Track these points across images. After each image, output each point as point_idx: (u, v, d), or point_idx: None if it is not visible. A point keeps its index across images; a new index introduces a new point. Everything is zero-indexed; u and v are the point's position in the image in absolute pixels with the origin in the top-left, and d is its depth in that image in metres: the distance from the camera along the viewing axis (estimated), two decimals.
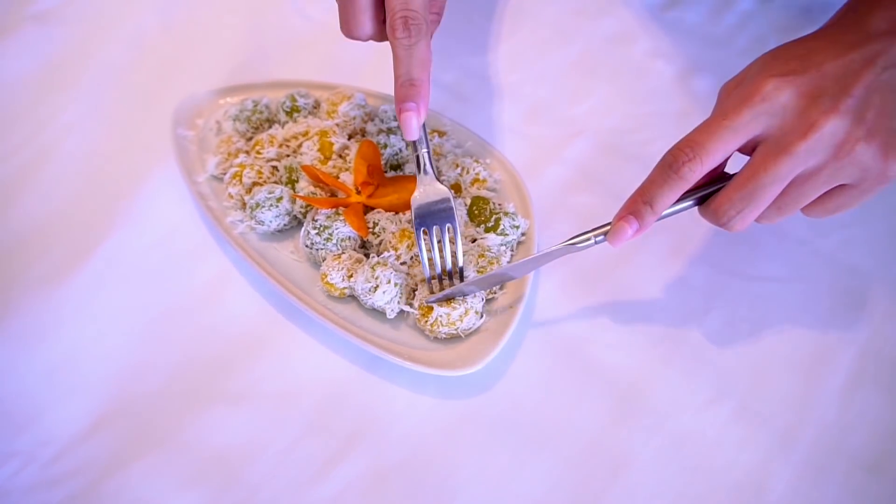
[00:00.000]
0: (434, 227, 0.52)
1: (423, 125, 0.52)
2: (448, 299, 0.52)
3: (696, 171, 0.46)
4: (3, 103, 0.69)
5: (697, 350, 0.54)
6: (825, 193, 0.47)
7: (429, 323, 0.52)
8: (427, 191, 0.53)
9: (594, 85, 0.71)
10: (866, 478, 0.48)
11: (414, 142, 0.53)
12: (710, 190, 0.49)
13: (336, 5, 0.51)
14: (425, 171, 0.53)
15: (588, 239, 0.50)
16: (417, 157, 0.53)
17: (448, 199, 0.53)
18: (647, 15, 0.77)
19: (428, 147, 0.53)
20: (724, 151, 0.46)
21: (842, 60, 0.45)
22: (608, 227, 0.50)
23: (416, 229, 0.52)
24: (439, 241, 0.52)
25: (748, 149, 0.47)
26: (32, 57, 0.72)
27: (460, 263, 0.53)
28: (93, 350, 0.54)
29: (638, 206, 0.48)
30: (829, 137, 0.44)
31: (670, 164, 0.46)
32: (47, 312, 0.55)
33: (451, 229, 0.52)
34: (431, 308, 0.52)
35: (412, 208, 0.52)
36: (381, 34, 0.52)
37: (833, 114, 0.44)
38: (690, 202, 0.50)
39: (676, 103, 0.69)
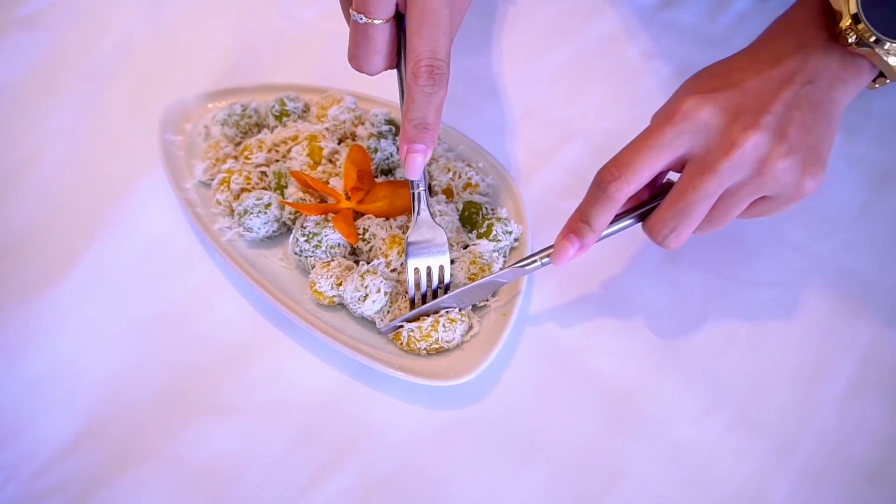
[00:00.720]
0: (426, 266, 0.52)
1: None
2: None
3: (623, 191, 0.47)
4: None
5: (694, 357, 0.53)
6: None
7: (403, 343, 0.51)
8: (422, 231, 0.52)
9: (588, 87, 0.70)
10: (866, 487, 0.47)
11: (414, 180, 0.52)
12: (650, 206, 0.50)
13: (326, 8, 0.50)
14: (421, 211, 0.53)
15: (535, 261, 0.51)
16: (414, 195, 0.52)
17: (443, 240, 0.52)
18: (641, 15, 0.76)
19: (426, 186, 0.53)
20: (651, 169, 0.47)
21: (761, 78, 0.47)
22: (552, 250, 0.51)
23: (407, 269, 0.52)
24: (429, 281, 0.53)
25: (678, 167, 0.48)
26: (18, 62, 0.71)
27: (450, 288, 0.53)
28: (77, 362, 0.53)
29: (577, 225, 0.49)
30: (751, 154, 0.45)
31: (598, 183, 0.48)
32: (30, 323, 0.54)
33: (441, 269, 0.53)
34: (400, 333, 0.52)
35: (405, 246, 0.52)
36: (389, 68, 0.51)
37: (754, 130, 0.45)
38: (631, 220, 0.51)
39: None
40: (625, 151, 0.48)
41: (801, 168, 0.46)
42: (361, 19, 0.47)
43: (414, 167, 0.49)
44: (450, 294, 0.52)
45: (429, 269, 0.52)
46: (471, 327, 0.53)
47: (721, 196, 0.47)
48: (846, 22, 0.46)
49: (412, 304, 0.52)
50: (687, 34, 0.74)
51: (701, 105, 0.46)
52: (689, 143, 0.46)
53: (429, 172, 0.59)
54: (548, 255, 0.51)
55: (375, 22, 0.47)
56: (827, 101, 0.47)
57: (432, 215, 0.53)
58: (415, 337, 0.51)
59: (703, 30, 0.74)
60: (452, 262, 0.54)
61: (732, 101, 0.46)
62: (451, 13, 0.47)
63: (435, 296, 0.53)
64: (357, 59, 0.50)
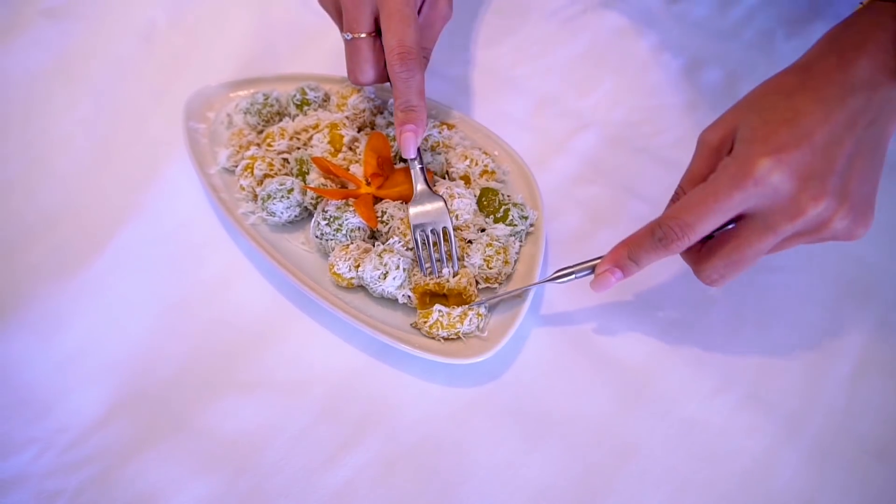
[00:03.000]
0: (430, 229, 0.55)
1: (419, 146, 0.57)
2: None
3: (684, 247, 0.47)
4: (18, 98, 0.69)
5: (705, 339, 0.54)
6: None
7: (428, 325, 0.53)
8: (422, 200, 0.56)
9: (601, 78, 0.72)
10: (873, 463, 0.49)
11: (412, 159, 0.57)
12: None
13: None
14: (419, 185, 0.56)
15: (571, 276, 0.52)
16: (413, 172, 0.57)
17: (441, 204, 0.55)
18: (653, 8, 0.77)
19: (422, 163, 0.57)
20: (712, 228, 0.47)
21: (829, 125, 0.44)
22: (588, 264, 0.52)
23: (413, 233, 0.55)
24: (435, 244, 0.55)
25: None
26: (45, 52, 0.73)
27: (455, 262, 0.55)
28: (107, 339, 0.55)
29: (624, 261, 0.50)
30: (814, 219, 0.45)
31: (661, 238, 0.47)
32: (63, 303, 0.56)
33: (445, 231, 0.55)
34: (430, 312, 0.53)
35: (409, 216, 0.55)
36: (383, 79, 0.58)
37: (822, 198, 0.44)
38: None
39: (683, 96, 0.70)
40: (690, 209, 0.46)
41: (855, 220, 0.46)
42: (348, 36, 0.57)
43: (407, 146, 0.55)
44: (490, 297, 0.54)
45: (433, 231, 0.55)
46: (481, 323, 0.54)
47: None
48: None
49: (421, 265, 0.54)
50: (698, 27, 0.75)
51: (773, 171, 0.44)
52: (753, 204, 0.45)
53: (447, 160, 0.61)
54: (585, 272, 0.52)
55: (360, 36, 0.56)
56: (884, 140, 0.47)
57: (430, 188, 0.56)
58: (441, 323, 0.52)
59: (714, 23, 0.76)
60: (457, 229, 0.57)
61: (803, 164, 0.44)
62: (415, 7, 0.55)
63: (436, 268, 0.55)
64: (352, 71, 0.58)
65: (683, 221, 0.46)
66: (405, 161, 0.62)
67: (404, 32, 0.54)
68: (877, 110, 0.45)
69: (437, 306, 0.53)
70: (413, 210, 0.55)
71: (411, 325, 0.54)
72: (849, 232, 0.46)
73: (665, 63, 0.73)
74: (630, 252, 0.49)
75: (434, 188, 0.57)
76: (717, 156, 0.47)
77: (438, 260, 0.54)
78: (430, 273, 0.54)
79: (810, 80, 0.46)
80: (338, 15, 0.59)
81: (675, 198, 0.50)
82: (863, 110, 0.45)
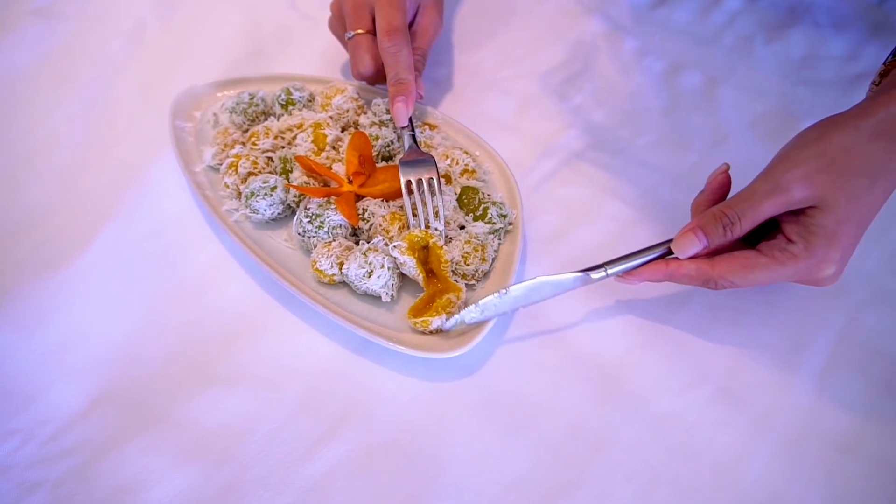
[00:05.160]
0: (417, 179, 0.57)
1: (411, 117, 0.62)
2: (444, 308, 0.54)
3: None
4: (5, 96, 0.70)
5: (678, 336, 0.55)
6: None
7: (419, 324, 0.54)
8: (411, 154, 0.59)
9: (583, 81, 0.73)
10: (839, 457, 0.50)
11: (404, 128, 0.62)
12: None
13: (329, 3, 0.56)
14: (408, 145, 0.61)
15: (601, 272, 0.53)
16: (405, 137, 0.62)
17: (430, 158, 0.58)
18: (636, 14, 0.79)
19: (414, 132, 0.62)
20: (752, 286, 0.52)
21: (873, 196, 0.49)
22: (616, 261, 0.53)
23: (403, 182, 0.56)
24: (422, 195, 0.56)
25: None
26: (34, 50, 0.74)
27: (441, 211, 0.56)
28: (91, 333, 0.55)
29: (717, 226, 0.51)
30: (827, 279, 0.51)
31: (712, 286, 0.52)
32: (47, 297, 0.56)
33: (432, 180, 0.57)
34: (429, 322, 0.53)
35: (399, 162, 0.58)
36: (381, 71, 0.64)
37: (838, 274, 0.50)
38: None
39: (662, 99, 0.71)
40: (749, 273, 0.50)
41: (839, 273, 0.51)
42: (350, 34, 0.65)
43: (398, 115, 0.61)
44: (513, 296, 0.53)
45: (419, 181, 0.56)
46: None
47: None
48: None
49: (408, 215, 0.56)
50: (679, 32, 0.77)
51: (834, 268, 0.50)
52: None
53: None
54: (613, 268, 0.53)
55: (360, 32, 0.64)
56: None
57: (417, 146, 0.60)
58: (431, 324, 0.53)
59: (695, 28, 0.77)
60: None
61: (849, 241, 0.49)
62: (406, 4, 0.64)
63: (425, 222, 0.56)
64: (354, 66, 0.65)
65: (733, 284, 0.51)
66: (387, 160, 0.63)
67: (391, 15, 0.63)
68: None
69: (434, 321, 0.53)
70: (403, 161, 0.58)
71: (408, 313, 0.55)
72: (830, 283, 0.51)
73: (646, 67, 0.74)
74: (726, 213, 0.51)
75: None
76: (786, 207, 0.49)
77: (426, 217, 0.56)
78: (418, 226, 0.56)
79: (894, 167, 0.48)
80: (343, 36, 0.67)
81: (717, 194, 0.54)
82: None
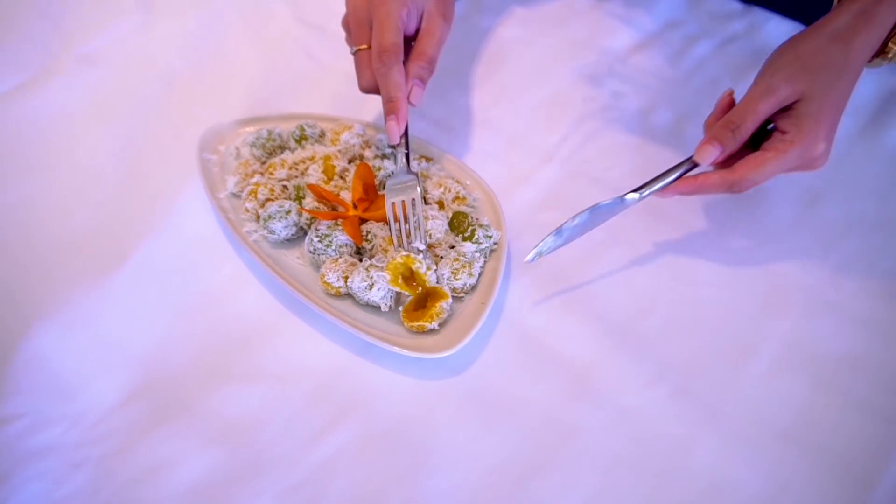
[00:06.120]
0: (401, 200, 0.64)
1: (406, 135, 0.68)
2: (437, 316, 0.62)
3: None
4: (56, 134, 0.78)
5: (642, 340, 0.63)
6: None
7: (415, 327, 0.62)
8: (398, 176, 0.66)
9: (565, 119, 0.81)
10: (778, 444, 0.57)
11: (397, 146, 0.67)
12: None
13: (340, 51, 0.66)
14: (400, 165, 0.67)
15: (635, 195, 0.63)
16: (397, 157, 0.68)
17: (413, 180, 0.65)
18: (613, 59, 0.87)
19: (407, 149, 0.68)
20: (763, 181, 0.62)
21: (842, 87, 0.61)
22: (648, 184, 0.63)
23: (387, 201, 0.64)
24: (405, 212, 0.64)
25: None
26: (79, 92, 0.83)
27: (422, 234, 0.64)
28: (128, 336, 0.63)
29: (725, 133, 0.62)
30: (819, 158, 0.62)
31: (731, 186, 0.62)
32: (92, 304, 0.64)
33: (414, 201, 0.64)
34: (424, 326, 0.62)
35: (385, 187, 0.65)
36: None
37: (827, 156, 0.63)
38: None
39: (635, 136, 0.79)
40: (758, 169, 0.61)
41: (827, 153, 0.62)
42: (352, 49, 0.69)
43: (390, 132, 0.66)
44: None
45: (402, 202, 0.64)
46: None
47: None
48: None
49: (392, 235, 0.64)
50: (653, 75, 0.85)
51: (824, 147, 0.61)
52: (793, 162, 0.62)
53: (424, 189, 0.70)
54: (647, 190, 0.63)
55: (362, 48, 0.68)
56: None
57: (409, 167, 0.66)
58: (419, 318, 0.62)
59: (667, 72, 0.86)
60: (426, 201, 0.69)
61: (830, 123, 0.61)
62: (402, 19, 0.66)
63: (407, 236, 0.64)
64: (359, 81, 0.69)
65: (752, 181, 0.61)
66: None
67: (382, 35, 0.65)
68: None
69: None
70: (389, 184, 0.65)
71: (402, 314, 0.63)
72: (822, 163, 0.62)
73: (622, 107, 0.83)
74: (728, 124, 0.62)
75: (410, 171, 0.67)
76: (777, 104, 0.61)
77: (408, 234, 0.63)
78: (401, 246, 0.63)
79: (851, 63, 0.61)
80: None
81: (725, 113, 0.63)
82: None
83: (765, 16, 0.89)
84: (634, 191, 0.63)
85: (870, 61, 0.63)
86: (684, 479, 0.56)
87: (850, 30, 0.61)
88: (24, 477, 0.54)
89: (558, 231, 0.62)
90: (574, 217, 0.62)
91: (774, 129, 0.62)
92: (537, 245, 0.62)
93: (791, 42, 0.63)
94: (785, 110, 0.61)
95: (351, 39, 0.70)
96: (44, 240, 0.69)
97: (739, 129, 0.61)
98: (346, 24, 0.71)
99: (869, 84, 0.83)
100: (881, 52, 0.63)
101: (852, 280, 0.66)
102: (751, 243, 0.69)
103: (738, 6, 0.91)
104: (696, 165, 0.63)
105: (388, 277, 0.61)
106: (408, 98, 0.66)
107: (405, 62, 0.67)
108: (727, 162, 0.62)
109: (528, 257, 0.62)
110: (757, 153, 0.61)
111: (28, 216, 0.71)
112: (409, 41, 0.70)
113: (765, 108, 0.61)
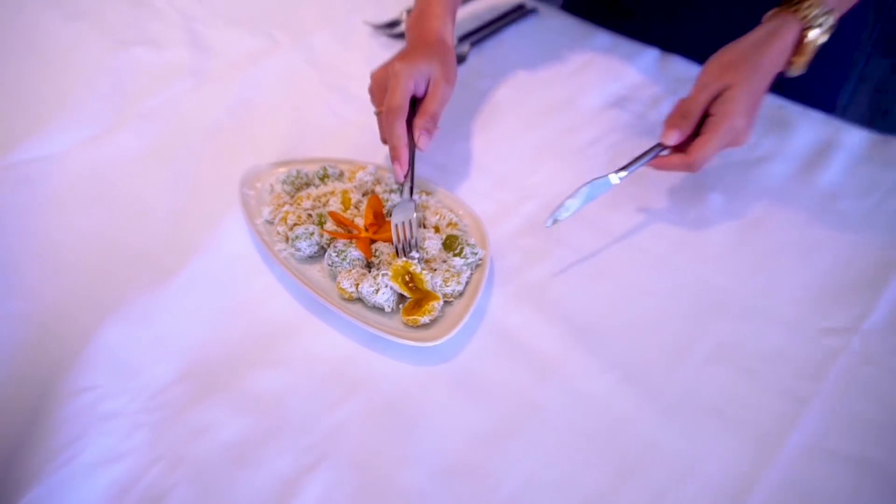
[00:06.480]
0: (402, 221, 0.80)
1: (412, 173, 0.84)
2: (429, 312, 0.75)
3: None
4: (123, 173, 0.93)
5: (600, 338, 0.76)
6: None
7: (410, 321, 0.76)
8: (402, 204, 0.82)
9: (546, 162, 0.96)
10: (707, 419, 0.69)
11: (402, 182, 0.84)
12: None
13: (359, 108, 0.86)
14: (405, 195, 0.83)
15: (616, 176, 0.82)
16: (402, 190, 0.84)
17: (412, 208, 0.81)
18: (591, 114, 1.03)
19: (412, 184, 0.83)
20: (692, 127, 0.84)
21: (759, 81, 0.83)
22: (627, 166, 0.83)
23: (392, 223, 0.79)
24: (405, 231, 0.80)
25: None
26: (142, 142, 0.98)
27: (417, 242, 0.79)
28: (179, 330, 0.76)
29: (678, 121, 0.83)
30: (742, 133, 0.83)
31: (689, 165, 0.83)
32: (151, 305, 0.78)
33: (412, 221, 0.80)
34: (417, 320, 0.75)
35: (392, 212, 0.82)
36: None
37: (751, 131, 0.83)
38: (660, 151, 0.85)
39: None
40: (705, 148, 0.81)
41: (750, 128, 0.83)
42: (375, 111, 0.88)
43: (395, 173, 0.84)
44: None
45: (402, 224, 0.79)
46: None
47: None
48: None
49: (395, 248, 0.79)
50: (624, 128, 1.00)
51: (746, 129, 0.82)
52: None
53: (424, 216, 0.85)
54: (626, 171, 0.83)
55: (381, 109, 0.85)
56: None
57: (411, 197, 0.83)
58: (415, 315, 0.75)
59: (636, 124, 1.01)
60: (423, 225, 0.84)
61: (748, 104, 0.81)
62: (409, 87, 0.84)
63: (407, 249, 0.79)
64: (380, 133, 0.88)
65: (703, 158, 0.82)
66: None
67: (391, 100, 0.83)
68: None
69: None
70: (393, 210, 0.81)
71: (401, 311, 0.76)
72: (745, 139, 0.82)
73: (595, 153, 0.97)
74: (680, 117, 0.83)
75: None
76: (712, 93, 0.81)
77: (406, 247, 0.79)
78: (401, 255, 0.79)
79: (766, 63, 0.82)
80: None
81: (684, 109, 0.84)
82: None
83: None
84: (619, 170, 0.82)
85: (786, 69, 0.84)
86: (627, 442, 0.68)
87: (763, 42, 0.82)
88: (96, 432, 0.67)
89: (562, 205, 0.80)
90: (574, 193, 0.81)
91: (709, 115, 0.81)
92: (554, 211, 0.80)
93: (721, 51, 0.84)
94: (716, 99, 0.81)
95: (374, 102, 0.89)
96: (116, 255, 0.84)
97: (690, 114, 0.82)
98: (371, 90, 0.90)
99: (807, 134, 0.97)
100: (790, 63, 0.84)
101: (779, 292, 0.79)
102: (695, 261, 0.83)
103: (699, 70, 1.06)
104: (664, 147, 0.83)
105: (390, 275, 0.75)
106: (417, 144, 0.84)
107: (414, 118, 0.85)
108: (683, 146, 0.82)
109: (549, 221, 0.80)
110: (699, 137, 0.81)
111: (104, 237, 0.86)
112: (420, 101, 0.88)
113: (704, 98, 0.81)
